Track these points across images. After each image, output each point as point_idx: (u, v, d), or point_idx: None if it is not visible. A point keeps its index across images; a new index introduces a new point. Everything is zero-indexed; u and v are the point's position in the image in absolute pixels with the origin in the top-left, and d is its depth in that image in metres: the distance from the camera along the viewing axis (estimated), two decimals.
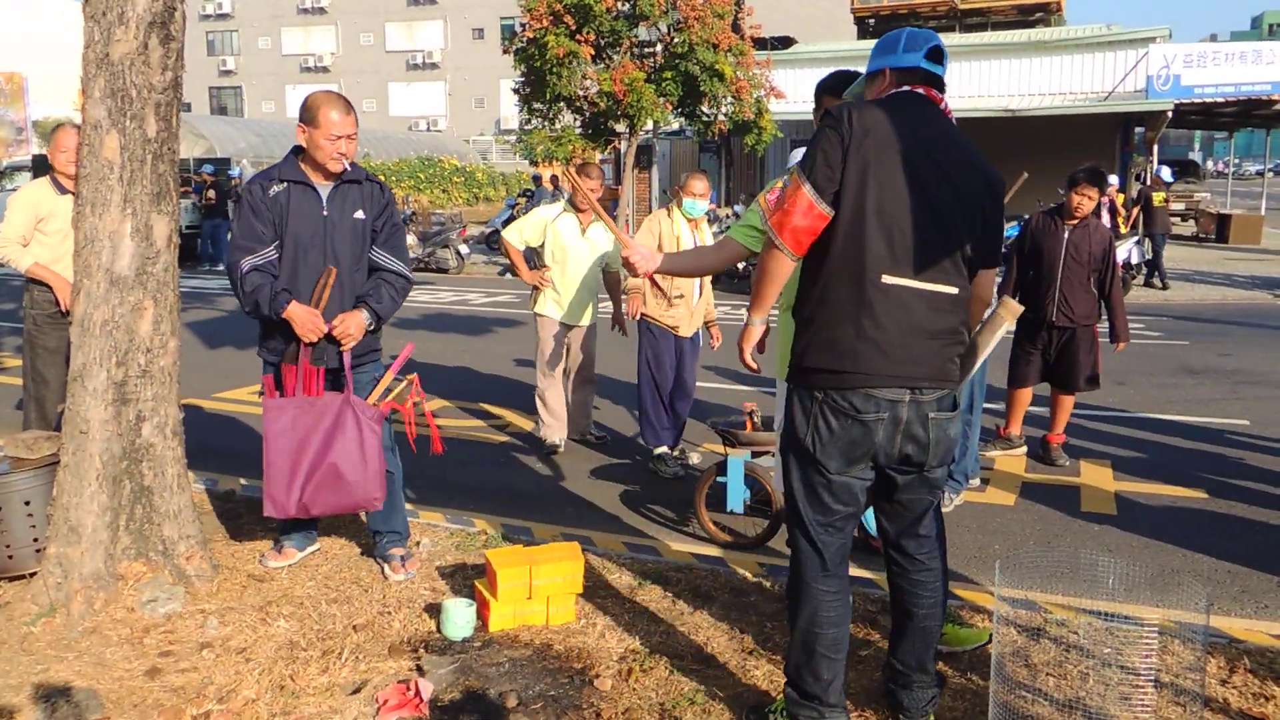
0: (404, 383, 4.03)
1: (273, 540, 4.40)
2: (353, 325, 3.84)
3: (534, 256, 6.42)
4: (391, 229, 4.05)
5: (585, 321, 6.27)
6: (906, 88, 2.75)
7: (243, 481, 5.51)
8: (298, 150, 3.92)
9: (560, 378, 6.28)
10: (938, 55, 2.76)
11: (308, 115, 3.79)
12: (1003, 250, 2.93)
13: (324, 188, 3.89)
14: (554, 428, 6.25)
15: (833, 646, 2.77)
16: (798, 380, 2.73)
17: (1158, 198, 15.79)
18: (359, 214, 3.94)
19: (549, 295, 6.16)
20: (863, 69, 2.96)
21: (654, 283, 5.70)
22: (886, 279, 2.58)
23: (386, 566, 4.11)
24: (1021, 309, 3.01)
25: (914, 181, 2.58)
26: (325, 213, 3.86)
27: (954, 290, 2.65)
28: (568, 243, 6.09)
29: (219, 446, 6.32)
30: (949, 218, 2.63)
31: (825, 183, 2.58)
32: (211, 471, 5.72)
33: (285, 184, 3.83)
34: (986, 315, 2.94)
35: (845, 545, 2.80)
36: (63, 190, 5.09)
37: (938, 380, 2.65)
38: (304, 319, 3.74)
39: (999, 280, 5.51)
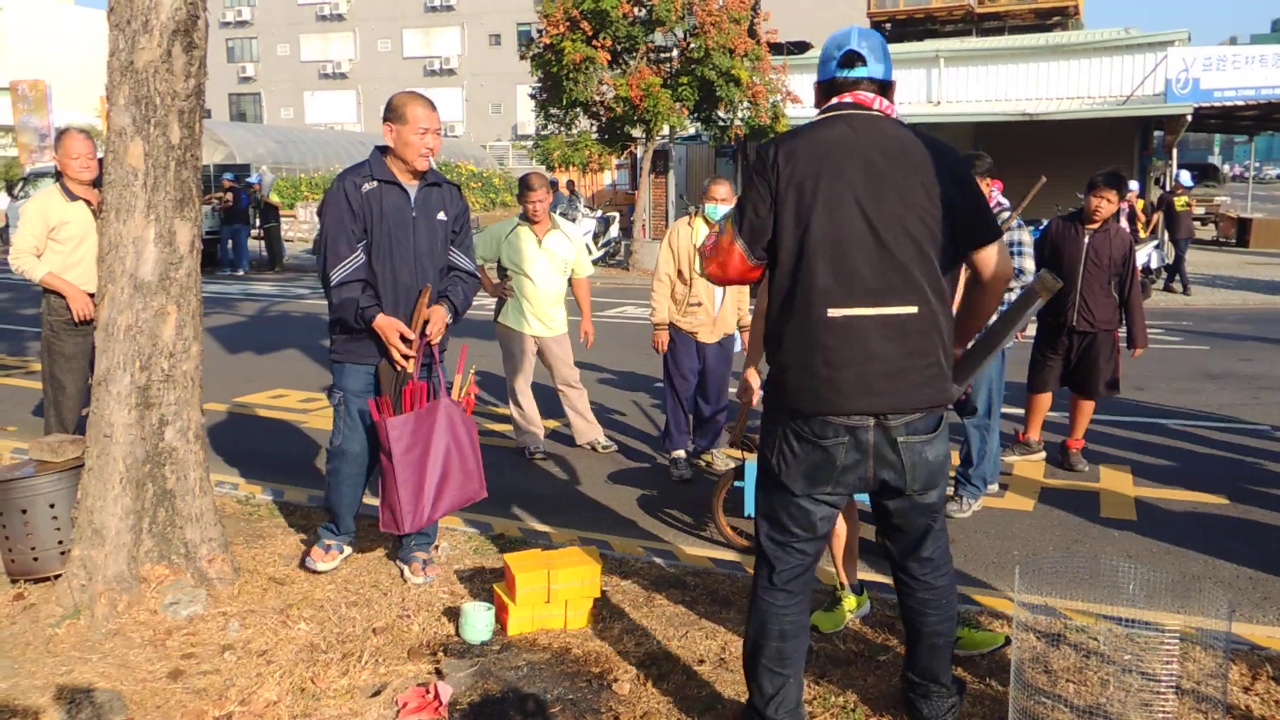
0: (470, 377, 4.17)
1: (302, 541, 4.43)
2: (441, 321, 3.95)
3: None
4: (466, 231, 4.16)
5: (555, 331, 6.23)
6: (835, 100, 2.67)
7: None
8: (382, 150, 3.95)
9: (529, 386, 6.26)
10: (851, 59, 2.64)
11: (394, 114, 3.83)
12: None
13: (411, 188, 3.93)
14: (531, 434, 6.27)
15: (776, 659, 2.75)
16: (766, 404, 2.75)
17: (1179, 202, 15.70)
18: (441, 215, 4.02)
19: (512, 307, 6.12)
20: None
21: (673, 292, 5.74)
22: (833, 312, 2.53)
23: (407, 569, 4.13)
24: (1060, 284, 2.90)
25: (852, 205, 2.53)
26: (415, 214, 3.92)
27: (911, 310, 2.54)
28: (526, 255, 6.06)
29: (240, 450, 6.37)
30: (897, 232, 2.54)
31: (755, 236, 2.62)
32: (233, 475, 5.77)
33: (377, 182, 3.87)
34: (1018, 290, 2.89)
35: (800, 567, 2.76)
36: (73, 197, 5.12)
37: (904, 409, 2.56)
38: (391, 331, 3.81)
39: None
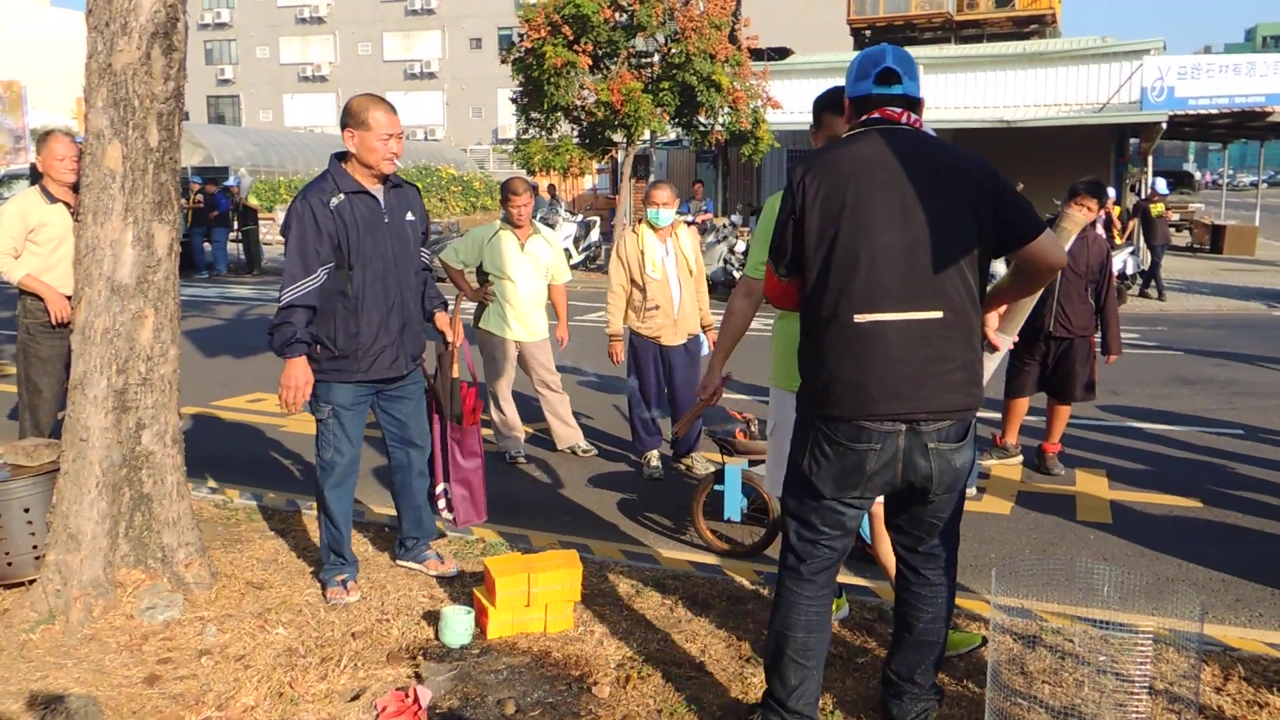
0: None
1: (280, 545, 4.41)
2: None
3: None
4: (427, 230, 4.17)
5: (537, 337, 6.22)
6: (864, 116, 2.74)
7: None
8: (340, 157, 3.84)
9: (510, 391, 6.25)
10: (889, 77, 2.72)
11: (355, 119, 3.71)
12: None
13: (378, 193, 3.85)
14: (511, 439, 6.27)
15: (801, 651, 2.79)
16: (799, 408, 2.81)
17: (1155, 209, 15.87)
18: (410, 215, 3.98)
19: (494, 312, 6.10)
20: None
21: (630, 299, 5.85)
22: (859, 318, 2.61)
23: (422, 566, 4.22)
24: (1086, 219, 2.92)
25: (878, 216, 2.61)
26: (387, 219, 3.86)
27: (937, 315, 2.60)
28: (509, 260, 6.03)
29: (217, 454, 6.33)
30: (923, 241, 2.60)
31: (778, 254, 2.76)
32: (210, 479, 5.74)
33: (344, 195, 3.75)
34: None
35: (829, 560, 2.81)
36: (53, 199, 5.09)
37: (935, 412, 2.62)
38: (298, 380, 3.71)
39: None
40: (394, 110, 3.82)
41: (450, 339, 4.20)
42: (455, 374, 4.17)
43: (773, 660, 2.85)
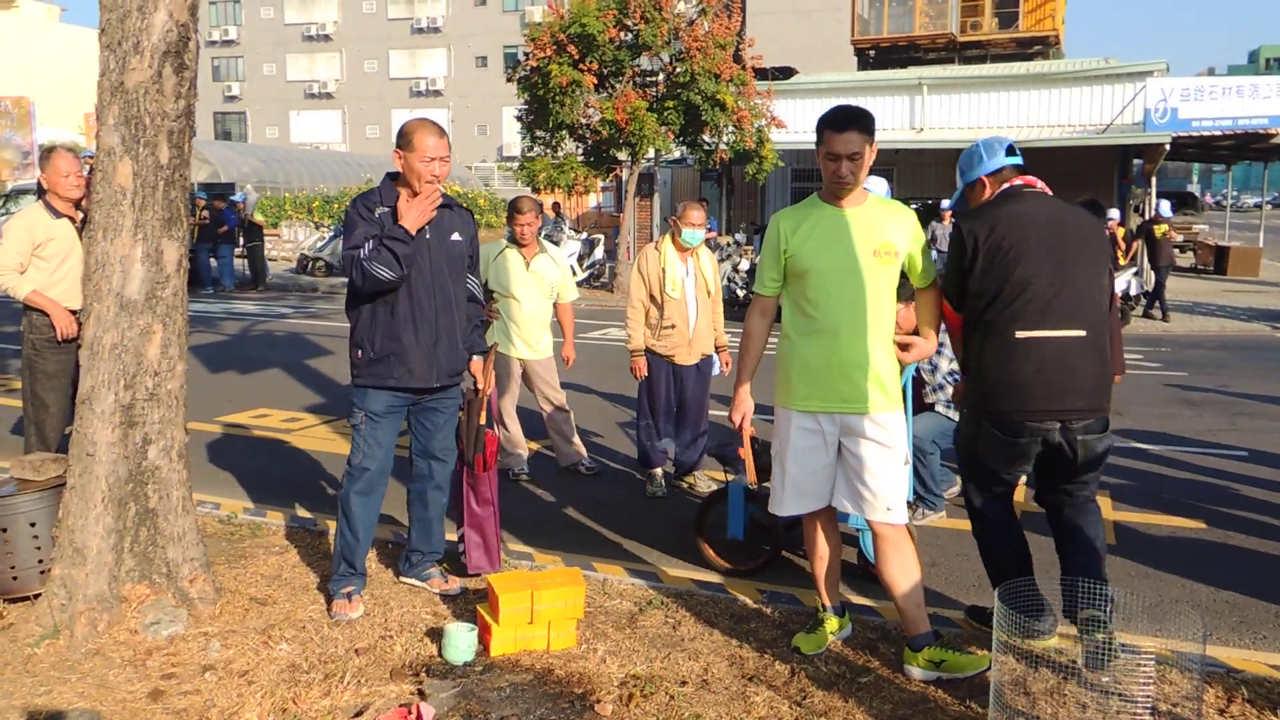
0: None
1: (283, 560, 4.42)
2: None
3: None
4: (476, 256, 4.24)
5: (541, 355, 6.22)
6: (1006, 185, 3.59)
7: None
8: (392, 176, 3.98)
9: (514, 408, 6.26)
10: (1014, 150, 3.63)
11: (403, 141, 3.86)
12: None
13: None
14: (515, 456, 6.26)
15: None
16: (970, 407, 3.63)
17: (1159, 230, 15.89)
18: (456, 235, 4.05)
19: (498, 329, 6.06)
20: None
21: (646, 316, 5.84)
22: (1019, 334, 3.39)
23: (426, 584, 4.24)
24: None
25: (1040, 257, 3.40)
26: (429, 235, 3.93)
27: (1081, 333, 3.39)
28: (514, 278, 6.05)
29: (222, 469, 6.35)
30: (1071, 276, 3.39)
31: (952, 291, 3.60)
32: (215, 494, 5.75)
33: (388, 208, 3.87)
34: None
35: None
36: (58, 214, 5.12)
37: (1083, 411, 3.40)
38: (411, 209, 3.80)
39: None
40: (444, 135, 3.92)
41: (481, 385, 4.25)
42: (482, 420, 4.22)
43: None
